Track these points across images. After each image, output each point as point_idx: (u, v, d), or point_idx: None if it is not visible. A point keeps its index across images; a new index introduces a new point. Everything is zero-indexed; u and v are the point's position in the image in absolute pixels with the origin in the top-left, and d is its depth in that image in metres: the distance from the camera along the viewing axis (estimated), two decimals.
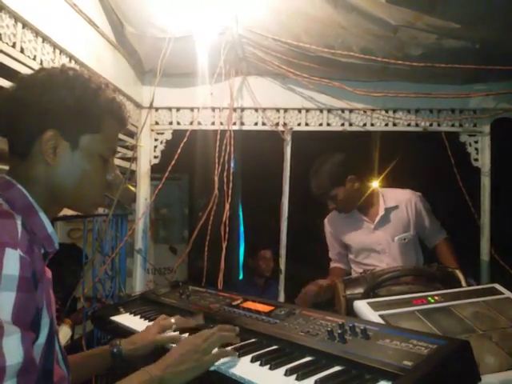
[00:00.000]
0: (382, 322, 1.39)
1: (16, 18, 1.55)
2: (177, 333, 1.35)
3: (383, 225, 2.55)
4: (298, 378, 0.98)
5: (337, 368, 1.02)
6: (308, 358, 1.09)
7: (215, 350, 1.11)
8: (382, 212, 2.55)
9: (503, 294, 1.62)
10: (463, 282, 1.98)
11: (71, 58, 1.93)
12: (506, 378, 1.17)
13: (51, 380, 0.95)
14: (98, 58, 2.16)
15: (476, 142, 2.83)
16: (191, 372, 1.05)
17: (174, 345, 1.28)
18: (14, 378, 0.75)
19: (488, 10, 1.90)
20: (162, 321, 1.39)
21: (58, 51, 1.83)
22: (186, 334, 1.31)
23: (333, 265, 2.80)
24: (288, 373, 1.01)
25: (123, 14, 2.24)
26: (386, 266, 2.46)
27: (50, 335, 0.93)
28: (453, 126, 2.84)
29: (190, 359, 1.05)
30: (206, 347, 1.09)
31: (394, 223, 2.54)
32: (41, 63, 1.71)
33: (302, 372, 1.00)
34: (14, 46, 1.56)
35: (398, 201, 2.57)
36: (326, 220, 2.79)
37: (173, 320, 1.38)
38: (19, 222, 0.86)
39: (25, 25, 1.61)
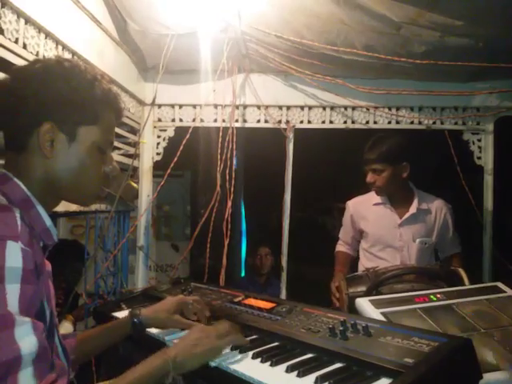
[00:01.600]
0: (383, 319, 1.38)
1: (19, 13, 1.56)
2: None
3: (410, 223, 2.52)
4: (299, 375, 0.98)
5: (338, 365, 1.02)
6: (309, 355, 1.08)
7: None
8: (413, 211, 2.51)
9: (505, 292, 1.61)
10: (466, 281, 1.97)
11: (74, 54, 1.93)
12: (508, 376, 1.17)
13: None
14: (101, 54, 2.16)
15: (479, 141, 2.82)
16: (206, 355, 1.06)
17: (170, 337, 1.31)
18: (30, 366, 0.76)
19: (490, 6, 1.89)
20: (182, 298, 1.40)
21: (60, 47, 1.84)
22: None
23: (339, 248, 2.77)
24: (289, 369, 1.01)
25: (126, 11, 2.24)
26: (399, 264, 2.46)
27: (49, 328, 0.93)
28: (456, 124, 2.83)
29: (205, 343, 1.06)
30: (220, 333, 1.10)
31: (420, 225, 2.52)
32: None
33: (304, 369, 0.99)
34: (16, 41, 1.56)
35: (430, 205, 2.56)
36: (349, 202, 2.73)
37: (191, 300, 1.39)
38: (18, 215, 0.85)
39: (27, 21, 1.61)
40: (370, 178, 2.46)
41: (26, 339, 0.77)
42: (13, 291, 0.79)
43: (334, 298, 2.23)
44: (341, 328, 1.12)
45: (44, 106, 0.97)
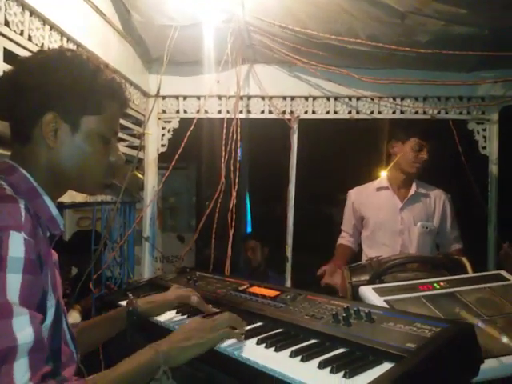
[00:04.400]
0: (387, 307, 1.40)
1: (23, 5, 1.56)
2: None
3: (410, 206, 2.61)
4: (302, 360, 0.99)
5: (341, 350, 1.04)
6: (313, 341, 1.10)
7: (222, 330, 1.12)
8: (412, 192, 2.62)
9: (509, 280, 1.62)
10: (469, 269, 1.98)
11: (78, 45, 1.94)
12: (510, 361, 1.18)
13: (59, 359, 0.97)
14: (105, 45, 2.17)
15: (484, 130, 2.82)
16: (197, 348, 1.05)
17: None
18: (25, 356, 0.77)
19: None
20: (182, 291, 1.42)
21: (65, 39, 1.84)
22: None
23: (340, 241, 2.82)
24: (293, 354, 1.02)
25: (130, 2, 2.24)
26: (400, 248, 2.51)
27: (56, 315, 0.94)
28: (461, 113, 2.83)
29: (196, 336, 1.06)
30: (213, 326, 1.10)
31: (420, 208, 2.62)
32: None
33: (307, 354, 1.01)
34: (21, 33, 1.57)
35: (428, 190, 2.67)
36: (350, 191, 2.83)
37: (195, 297, 1.39)
38: (22, 206, 0.87)
39: (32, 12, 1.62)
40: (424, 154, 2.55)
41: (23, 330, 0.78)
42: (14, 281, 0.80)
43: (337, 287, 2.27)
44: (344, 314, 1.13)
45: (47, 97, 0.98)
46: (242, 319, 1.27)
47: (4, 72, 1.03)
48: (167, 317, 1.40)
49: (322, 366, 0.96)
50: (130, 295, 1.72)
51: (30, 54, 1.59)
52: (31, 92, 0.98)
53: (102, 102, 1.04)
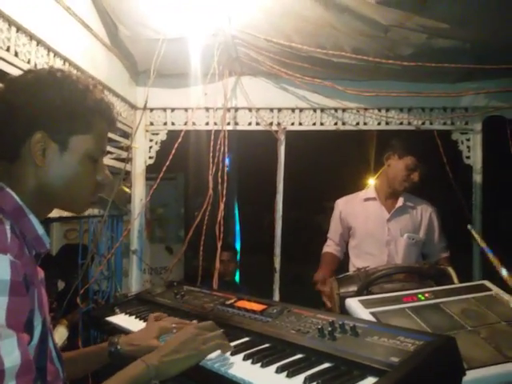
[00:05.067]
0: (372, 319, 1.41)
1: (10, 21, 1.57)
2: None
3: (397, 217, 2.65)
4: (288, 375, 1.00)
5: (326, 365, 1.04)
6: (299, 356, 1.11)
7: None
8: (400, 204, 2.65)
9: (492, 290, 1.64)
10: (455, 280, 2.00)
11: (65, 60, 1.95)
12: (493, 372, 1.20)
13: (45, 378, 0.96)
14: (93, 59, 2.18)
15: (468, 140, 2.86)
16: (188, 360, 1.06)
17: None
18: (13, 380, 0.77)
19: (476, 10, 1.92)
20: (161, 323, 1.38)
21: (52, 54, 1.85)
22: None
23: (326, 249, 2.84)
24: (279, 370, 1.03)
25: (117, 16, 2.26)
26: (387, 258, 2.53)
27: (42, 334, 0.94)
28: (445, 124, 2.87)
29: (187, 348, 1.07)
30: (203, 338, 1.10)
31: (407, 220, 2.65)
32: (35, 66, 1.72)
33: (293, 369, 1.02)
34: (8, 49, 1.58)
35: (415, 203, 2.70)
36: (338, 200, 2.85)
37: (173, 324, 1.37)
38: (8, 227, 0.87)
39: (19, 29, 1.63)
40: (415, 176, 2.58)
41: (11, 353, 0.78)
42: (1, 303, 0.80)
43: (325, 298, 2.27)
44: (329, 328, 1.14)
45: (36, 116, 0.98)
46: (229, 334, 1.28)
47: None
48: None
49: (307, 381, 0.96)
50: (117, 310, 1.72)
51: (16, 69, 1.61)
52: (20, 111, 0.98)
53: (91, 121, 1.04)
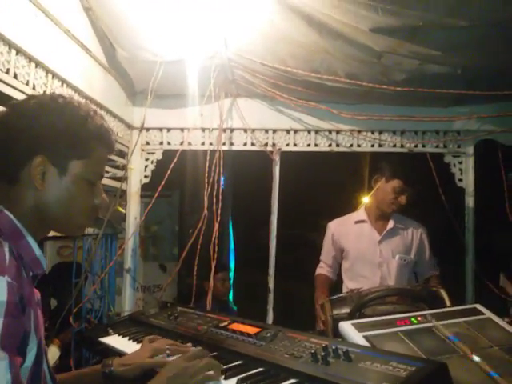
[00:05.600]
0: (366, 343, 1.42)
1: (10, 45, 1.60)
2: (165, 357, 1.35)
3: (388, 239, 2.67)
4: None
5: None
6: (292, 380, 1.11)
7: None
8: (390, 226, 2.67)
9: (484, 314, 1.65)
10: (447, 302, 2.01)
11: (63, 81, 1.97)
12: None
13: None
14: (90, 81, 2.21)
15: (460, 163, 2.90)
16: None
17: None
18: None
19: (466, 39, 1.98)
20: (155, 344, 1.38)
21: (50, 76, 1.88)
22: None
23: (319, 271, 2.85)
24: None
25: (115, 38, 2.29)
26: (380, 280, 2.54)
27: (37, 356, 0.94)
28: (437, 147, 2.91)
29: (179, 382, 1.07)
30: (193, 372, 1.10)
31: (398, 241, 2.67)
32: (33, 88, 1.75)
33: None
34: (7, 72, 1.60)
35: (406, 224, 2.72)
36: (330, 223, 2.86)
37: (167, 346, 1.36)
38: (6, 249, 0.89)
39: (18, 51, 1.65)
40: (403, 199, 2.60)
41: (2, 376, 0.79)
42: None
43: (320, 321, 2.27)
44: (322, 353, 1.15)
45: (37, 140, 1.00)
46: (222, 357, 1.28)
47: None
48: None
49: None
50: (111, 331, 1.72)
51: (15, 91, 1.63)
52: (22, 135, 1.00)
53: (91, 147, 1.07)
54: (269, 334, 1.36)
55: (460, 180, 2.90)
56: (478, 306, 1.71)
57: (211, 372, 1.12)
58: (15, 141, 1.00)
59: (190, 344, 1.38)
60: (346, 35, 2.04)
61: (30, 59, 1.73)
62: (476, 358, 1.38)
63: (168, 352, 1.33)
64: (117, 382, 1.30)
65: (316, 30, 2.05)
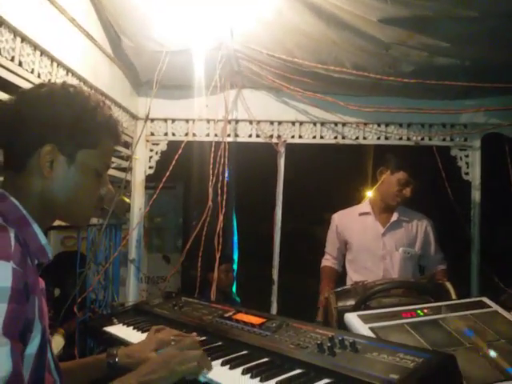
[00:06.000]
0: (372, 334, 1.41)
1: (15, 32, 1.58)
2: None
3: (392, 231, 2.65)
4: None
5: (326, 380, 1.04)
6: (298, 371, 1.11)
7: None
8: (394, 218, 2.66)
9: (491, 307, 1.65)
10: (453, 295, 2.01)
11: (68, 70, 1.96)
12: None
13: None
14: (95, 70, 2.19)
15: (467, 156, 2.88)
16: (162, 381, 1.06)
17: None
18: None
19: (476, 31, 1.95)
20: (160, 335, 1.38)
21: (55, 64, 1.86)
22: None
23: (324, 263, 2.85)
24: None
25: (120, 28, 2.27)
26: (382, 273, 2.53)
27: (42, 344, 0.94)
28: (444, 140, 2.89)
29: (163, 369, 1.07)
30: (180, 359, 1.10)
31: (402, 234, 2.65)
32: (38, 76, 1.74)
33: None
34: (12, 59, 1.58)
35: (410, 217, 2.70)
36: (334, 215, 2.86)
37: (172, 337, 1.36)
38: (12, 235, 0.88)
39: (23, 39, 1.64)
40: (407, 191, 2.58)
41: (3, 362, 0.79)
42: (0, 310, 0.81)
43: (321, 312, 2.28)
44: (329, 344, 1.14)
45: (47, 129, 1.01)
46: (227, 347, 1.28)
47: (4, 101, 1.06)
48: None
49: None
50: (115, 320, 1.72)
51: (20, 79, 1.62)
52: (33, 123, 1.00)
53: (99, 137, 1.07)
54: (274, 325, 1.36)
55: (466, 174, 2.87)
56: (485, 299, 1.70)
57: (194, 363, 1.11)
58: (25, 129, 1.00)
59: (195, 333, 1.37)
60: (354, 26, 2.02)
61: (35, 47, 1.72)
62: (483, 351, 1.37)
63: (173, 343, 1.32)
64: (121, 372, 1.30)
65: (324, 21, 2.02)
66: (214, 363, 1.17)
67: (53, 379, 1.04)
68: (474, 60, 2.22)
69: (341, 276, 2.84)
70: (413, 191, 2.58)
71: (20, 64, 1.63)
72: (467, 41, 2.05)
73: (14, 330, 0.83)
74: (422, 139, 2.88)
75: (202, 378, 1.11)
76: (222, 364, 1.17)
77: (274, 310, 2.82)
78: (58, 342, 2.32)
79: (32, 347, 0.92)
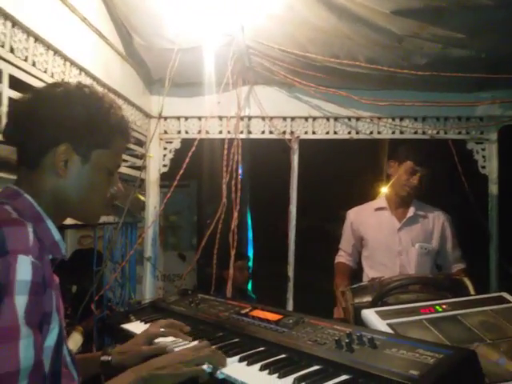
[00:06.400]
0: (389, 330, 1.39)
1: (28, 32, 1.60)
2: (163, 342, 1.38)
3: (408, 227, 2.62)
4: None
5: (344, 377, 1.03)
6: (316, 367, 1.10)
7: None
8: (410, 214, 2.63)
9: (511, 302, 1.62)
10: (471, 290, 1.98)
11: (81, 70, 1.97)
12: None
13: (59, 382, 0.98)
14: (107, 69, 2.20)
15: (483, 150, 2.83)
16: (169, 378, 1.09)
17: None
18: (25, 379, 0.80)
19: (491, 21, 1.91)
20: (150, 329, 1.42)
21: (68, 63, 1.87)
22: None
23: (339, 259, 2.83)
24: (296, 381, 1.02)
25: (132, 26, 2.28)
26: (399, 269, 2.51)
27: (59, 337, 0.96)
28: (460, 133, 2.85)
29: (172, 367, 1.10)
30: (189, 360, 1.12)
31: (418, 229, 2.62)
32: (52, 76, 1.75)
33: (310, 380, 1.01)
34: (26, 59, 1.60)
35: (427, 212, 2.67)
36: (349, 211, 2.83)
37: (162, 329, 1.40)
38: (31, 230, 0.90)
39: (36, 39, 1.65)
40: (415, 179, 2.55)
41: (27, 352, 0.81)
42: (21, 302, 0.83)
43: (339, 308, 2.26)
44: (347, 340, 1.13)
45: (63, 128, 1.03)
46: (244, 344, 1.28)
47: (20, 100, 1.08)
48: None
49: None
50: (132, 317, 1.73)
51: (34, 78, 1.63)
52: (49, 122, 1.02)
53: (112, 138, 1.10)
54: (291, 321, 1.35)
55: (483, 167, 2.83)
56: (504, 295, 1.67)
57: (199, 368, 1.13)
58: (41, 127, 1.02)
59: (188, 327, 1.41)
60: (367, 19, 1.99)
61: (48, 47, 1.73)
62: (504, 347, 1.35)
63: (164, 334, 1.39)
64: (116, 370, 1.31)
65: (335, 14, 2.01)
66: (231, 359, 1.17)
67: (69, 373, 1.06)
68: (490, 51, 2.18)
69: (356, 273, 2.82)
70: (421, 179, 2.55)
71: (33, 64, 1.65)
72: (483, 32, 2.02)
73: (34, 320, 0.86)
74: (438, 133, 2.84)
75: (220, 375, 1.11)
76: (240, 360, 1.17)
77: (290, 307, 2.81)
78: (76, 340, 2.34)
79: (50, 340, 0.94)
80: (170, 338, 1.39)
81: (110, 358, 1.34)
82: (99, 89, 1.15)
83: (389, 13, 1.90)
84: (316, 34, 2.17)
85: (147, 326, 1.60)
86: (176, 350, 1.28)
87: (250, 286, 4.30)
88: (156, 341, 1.39)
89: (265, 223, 6.45)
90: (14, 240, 0.86)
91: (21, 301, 0.83)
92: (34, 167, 1.04)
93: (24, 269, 0.85)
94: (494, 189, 2.81)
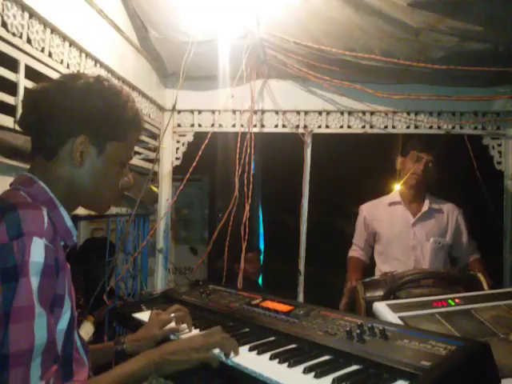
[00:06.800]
0: (401, 323, 1.39)
1: (45, 23, 1.61)
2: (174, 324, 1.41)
3: (423, 222, 2.61)
4: (316, 376, 0.99)
5: (355, 367, 1.03)
6: (326, 357, 1.09)
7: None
8: (425, 208, 2.62)
9: None
10: (485, 285, 1.96)
11: (96, 61, 1.98)
12: None
13: (71, 366, 1.00)
14: (122, 61, 2.22)
15: (499, 145, 2.80)
16: (179, 364, 1.09)
17: (173, 337, 1.37)
18: (39, 356, 0.83)
19: (510, 14, 1.88)
20: (162, 316, 1.44)
21: (83, 55, 1.89)
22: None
23: (352, 253, 2.82)
24: (306, 370, 1.02)
25: (147, 19, 2.29)
26: (413, 263, 2.49)
27: (71, 320, 0.99)
28: (475, 128, 2.81)
29: (183, 352, 1.10)
30: (201, 346, 1.12)
31: (433, 224, 2.61)
32: (67, 67, 1.76)
33: (321, 370, 1.01)
34: (42, 50, 1.61)
35: (441, 206, 2.66)
36: (362, 206, 2.82)
37: (172, 314, 1.43)
38: (45, 213, 0.92)
39: (53, 30, 1.67)
40: (419, 167, 2.56)
41: (41, 331, 0.84)
42: (34, 283, 0.86)
43: (343, 302, 2.28)
44: (358, 331, 1.13)
45: (82, 120, 1.05)
46: (255, 334, 1.28)
47: (39, 89, 1.08)
48: None
49: (335, 382, 0.95)
50: (144, 307, 1.74)
51: (50, 69, 1.65)
52: (68, 113, 1.04)
53: (127, 130, 1.13)
54: (302, 312, 1.35)
55: (499, 163, 2.79)
56: None
57: (208, 354, 1.13)
58: (60, 118, 1.05)
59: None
60: (383, 11, 1.98)
61: (64, 38, 1.74)
62: None
63: (174, 320, 1.41)
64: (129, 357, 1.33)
65: (351, 6, 1.99)
66: (241, 348, 1.17)
67: (80, 357, 1.08)
68: (508, 45, 2.15)
69: (368, 267, 2.80)
70: (426, 165, 2.54)
71: (50, 55, 1.66)
72: (500, 24, 1.98)
73: (47, 301, 0.89)
74: (453, 128, 2.81)
75: (230, 363, 1.11)
76: (250, 349, 1.17)
77: (300, 300, 2.81)
78: (88, 329, 2.37)
79: (63, 323, 0.96)
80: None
81: (124, 347, 1.36)
82: (117, 82, 1.16)
83: (406, 5, 1.88)
84: (331, 26, 2.15)
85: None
86: (188, 333, 1.29)
87: (260, 280, 4.30)
88: (167, 327, 1.41)
89: (276, 217, 6.45)
90: (29, 222, 0.89)
91: (34, 282, 0.85)
92: (50, 156, 1.06)
93: (38, 251, 0.87)
94: (509, 184, 2.78)
